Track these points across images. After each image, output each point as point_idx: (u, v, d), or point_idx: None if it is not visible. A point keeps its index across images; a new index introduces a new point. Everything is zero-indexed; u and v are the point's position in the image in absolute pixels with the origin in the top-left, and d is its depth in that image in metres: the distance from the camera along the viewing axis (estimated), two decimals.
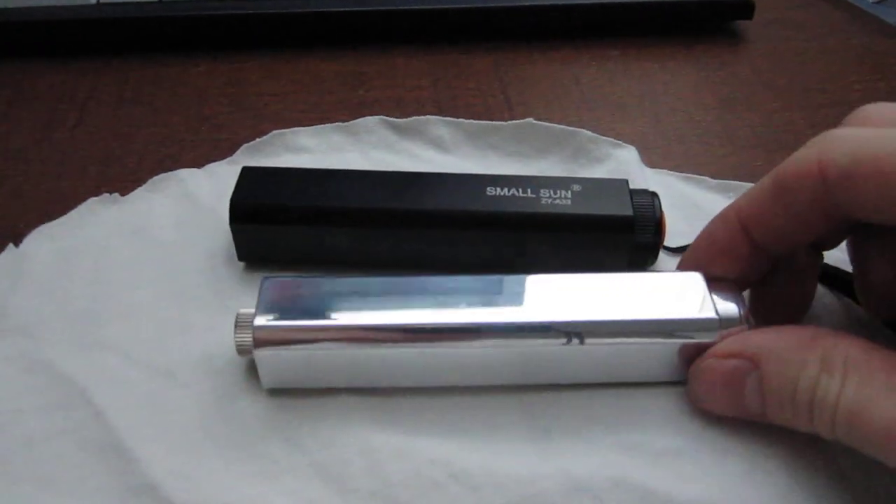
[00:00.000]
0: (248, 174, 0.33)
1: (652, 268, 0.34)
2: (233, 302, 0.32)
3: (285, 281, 0.28)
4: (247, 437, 0.28)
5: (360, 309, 0.28)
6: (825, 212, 0.25)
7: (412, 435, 0.28)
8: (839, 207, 0.25)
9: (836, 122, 0.42)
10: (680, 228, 0.35)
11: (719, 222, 0.29)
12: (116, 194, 0.36)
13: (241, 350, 0.27)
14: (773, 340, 0.26)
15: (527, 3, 0.46)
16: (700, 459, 0.27)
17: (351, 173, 0.33)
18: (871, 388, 0.23)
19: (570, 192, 0.32)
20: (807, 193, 0.25)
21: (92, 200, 0.36)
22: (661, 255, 0.34)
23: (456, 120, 0.40)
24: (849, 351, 0.24)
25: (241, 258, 0.33)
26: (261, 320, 0.27)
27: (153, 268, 0.34)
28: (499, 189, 0.32)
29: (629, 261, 0.32)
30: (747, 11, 0.47)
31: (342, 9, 0.46)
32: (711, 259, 0.29)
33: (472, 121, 0.40)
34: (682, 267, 0.30)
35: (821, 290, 0.33)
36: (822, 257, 0.30)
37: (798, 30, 0.49)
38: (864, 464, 0.26)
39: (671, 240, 0.35)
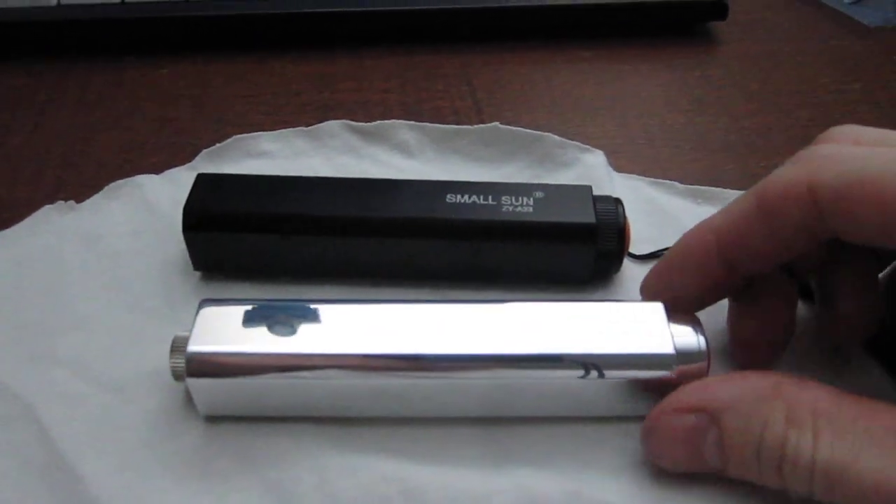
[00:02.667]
0: (202, 181, 0.32)
1: (617, 279, 0.33)
2: (186, 314, 0.31)
3: (224, 305, 0.28)
4: (195, 455, 0.27)
5: (303, 337, 0.27)
6: (811, 235, 0.24)
7: (364, 453, 0.27)
8: (828, 231, 0.24)
9: (808, 124, 0.42)
10: (647, 235, 0.35)
11: (693, 240, 0.27)
12: (72, 201, 0.36)
13: (176, 376, 0.27)
14: (732, 392, 0.24)
15: (498, 5, 0.46)
16: (658, 474, 0.27)
17: (308, 180, 0.32)
18: (851, 443, 0.22)
19: (532, 199, 0.31)
20: (795, 216, 0.24)
21: (47, 208, 0.35)
22: (627, 262, 0.34)
23: (420, 124, 0.39)
24: (816, 403, 0.23)
25: (196, 267, 0.33)
26: (195, 347, 0.26)
27: (108, 277, 0.33)
28: (459, 196, 0.31)
29: (593, 269, 0.32)
30: (721, 12, 0.47)
31: (310, 10, 0.45)
32: (682, 278, 0.28)
33: (437, 125, 0.39)
34: (649, 282, 0.29)
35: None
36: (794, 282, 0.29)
37: (772, 31, 0.48)
38: None
39: (638, 246, 0.34)
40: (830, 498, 0.22)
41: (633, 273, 0.33)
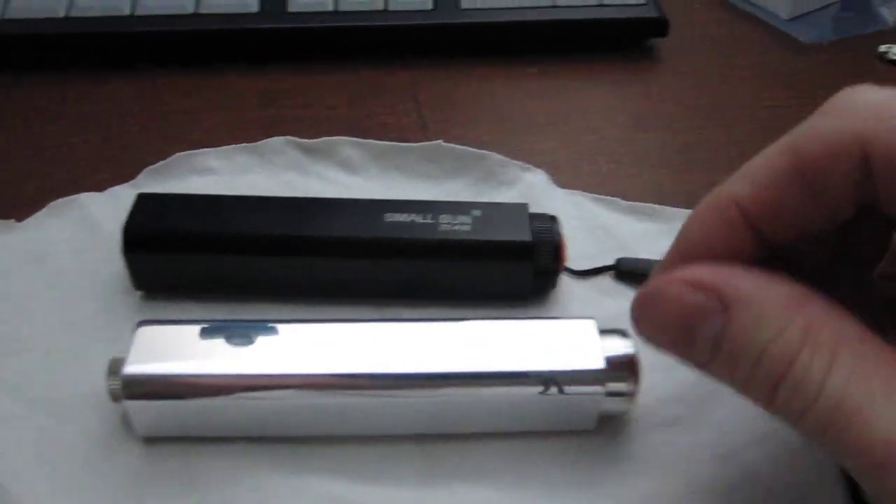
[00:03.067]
0: (143, 200, 0.33)
1: (554, 294, 0.34)
2: (127, 334, 0.31)
3: (162, 325, 0.28)
4: (133, 477, 0.27)
5: (241, 357, 0.27)
6: (855, 199, 0.20)
7: (305, 472, 0.27)
8: (871, 196, 0.20)
9: (747, 139, 0.43)
10: (589, 251, 0.36)
11: (710, 217, 0.23)
12: (13, 220, 0.35)
13: (113, 397, 0.27)
14: (755, 287, 0.20)
15: (446, 21, 0.46)
16: (593, 487, 0.27)
17: (248, 199, 0.33)
18: (870, 385, 0.18)
19: (469, 217, 0.32)
20: (841, 177, 0.20)
21: None
22: (566, 278, 0.34)
23: (365, 141, 0.39)
24: (843, 331, 0.19)
25: (137, 287, 0.33)
26: (130, 368, 0.26)
27: (49, 297, 0.33)
28: (398, 215, 0.32)
29: (531, 286, 0.32)
30: (662, 29, 0.48)
31: (258, 26, 0.45)
32: (709, 263, 0.22)
33: (380, 142, 0.39)
34: (662, 272, 0.24)
35: None
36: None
37: (713, 47, 0.50)
38: None
39: (579, 262, 0.35)
40: (821, 437, 0.19)
41: (570, 289, 0.34)
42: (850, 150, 0.20)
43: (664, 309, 0.22)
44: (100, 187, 0.38)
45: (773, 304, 0.20)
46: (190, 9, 0.45)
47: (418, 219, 0.32)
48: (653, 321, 0.23)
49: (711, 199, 0.23)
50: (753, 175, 0.22)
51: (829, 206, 0.21)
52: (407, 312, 0.33)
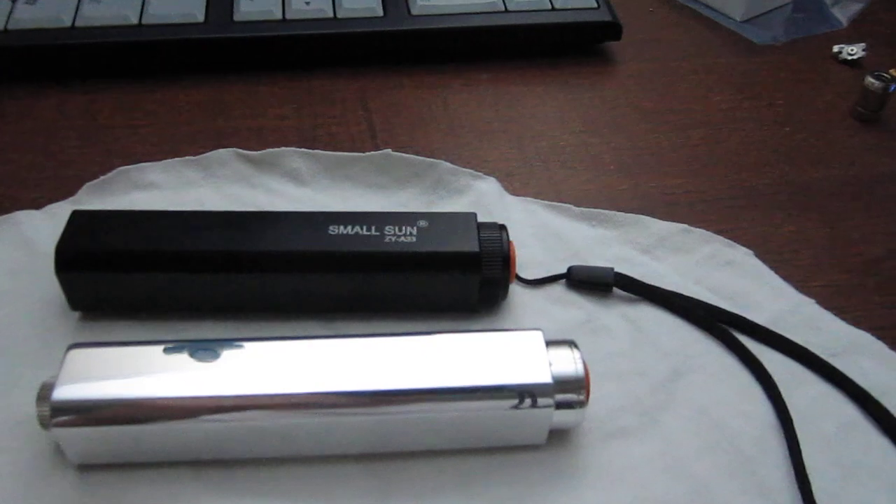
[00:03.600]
0: (77, 218, 0.31)
1: (505, 304, 0.33)
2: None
3: (93, 348, 0.27)
4: None
5: (175, 380, 0.26)
6: None
7: (245, 497, 0.27)
8: None
9: (700, 143, 0.43)
10: (541, 258, 0.35)
11: None
12: None
13: (43, 424, 0.26)
14: None
15: (396, 28, 0.46)
16: None
17: (186, 214, 0.32)
18: None
19: (415, 228, 0.31)
20: None
21: None
22: (517, 287, 0.34)
23: (312, 151, 0.39)
24: None
25: (74, 308, 0.32)
26: (59, 394, 0.25)
27: None
28: (342, 227, 0.31)
29: (479, 296, 0.32)
30: (615, 33, 0.48)
31: (202, 36, 0.44)
32: None
33: (329, 152, 0.39)
34: None
35: None
36: None
37: (667, 50, 0.49)
38: None
39: (532, 270, 0.34)
40: None
41: (522, 299, 0.34)
42: None
43: None
44: (38, 205, 0.36)
45: None
46: (134, 20, 0.44)
47: (363, 231, 0.31)
48: None
49: None
50: None
51: None
52: (354, 326, 0.32)
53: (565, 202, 0.38)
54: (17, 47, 0.43)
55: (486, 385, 0.27)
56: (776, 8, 0.54)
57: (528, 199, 0.38)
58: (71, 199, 0.37)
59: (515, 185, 0.39)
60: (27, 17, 0.43)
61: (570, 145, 0.42)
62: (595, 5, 0.48)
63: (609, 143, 0.42)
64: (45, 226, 0.35)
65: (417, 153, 0.39)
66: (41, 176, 0.39)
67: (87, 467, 0.27)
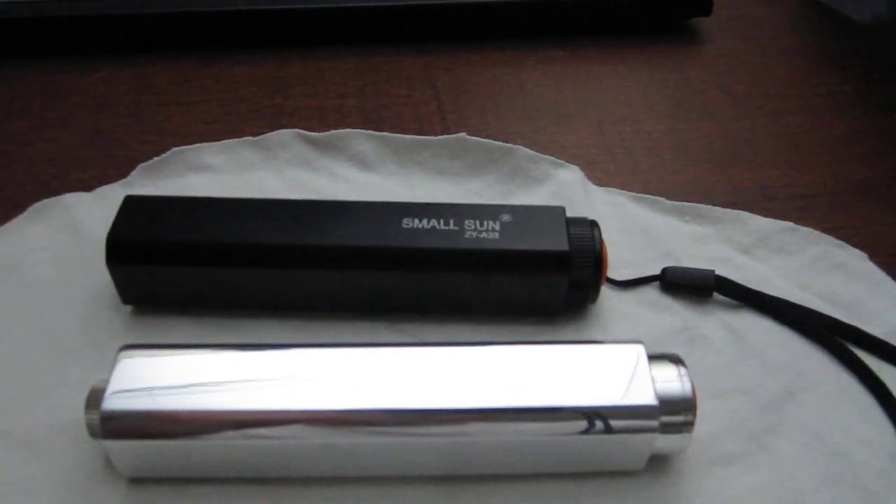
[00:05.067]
0: (130, 204, 0.29)
1: (594, 309, 0.30)
2: (113, 355, 0.27)
3: (147, 351, 0.24)
4: None
5: (235, 391, 0.24)
6: None
7: None
8: None
9: (798, 130, 0.39)
10: (629, 257, 0.32)
11: None
12: None
13: (92, 433, 0.23)
14: None
15: (463, 1, 0.42)
16: None
17: (247, 203, 0.29)
18: None
19: (498, 223, 0.28)
20: None
21: None
22: (606, 290, 0.31)
23: (380, 134, 0.36)
24: None
25: (125, 301, 0.29)
26: (110, 403, 0.23)
27: (25, 312, 0.29)
28: (417, 221, 0.28)
29: (567, 299, 0.29)
30: (705, 8, 0.44)
31: (259, 7, 0.41)
32: None
33: (398, 135, 0.36)
34: None
35: None
36: None
37: (759, 28, 0.45)
38: None
39: (619, 271, 0.31)
40: None
41: (612, 302, 0.30)
42: None
43: None
44: (86, 187, 0.34)
45: None
46: None
47: (440, 225, 0.28)
48: None
49: None
50: None
51: None
52: (426, 330, 0.29)
53: (654, 194, 0.34)
54: (67, 17, 0.41)
55: (581, 406, 0.24)
56: None
57: (614, 190, 0.35)
58: (123, 181, 0.34)
59: (598, 174, 0.36)
60: None
61: (656, 131, 0.38)
62: None
63: (698, 130, 0.39)
64: (95, 210, 0.33)
65: (491, 137, 0.36)
66: (90, 155, 0.36)
67: (138, 481, 0.25)
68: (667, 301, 0.31)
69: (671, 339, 0.29)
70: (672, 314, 0.30)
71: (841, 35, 0.45)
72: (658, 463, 0.26)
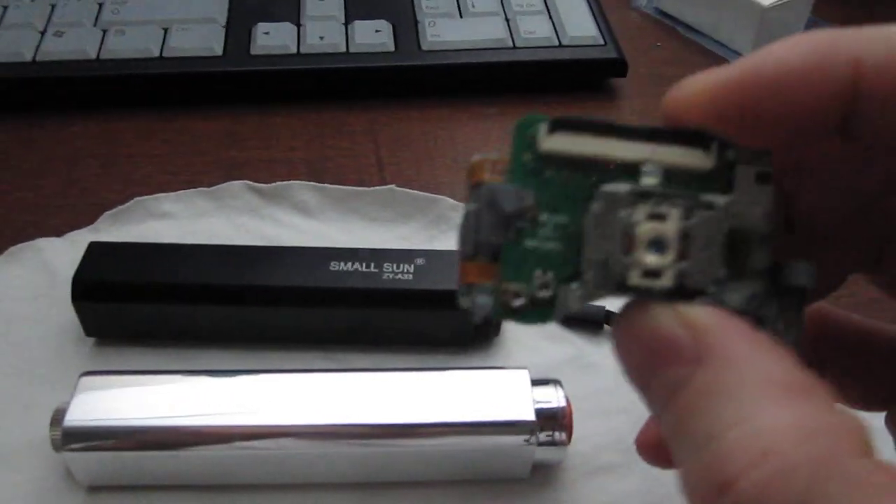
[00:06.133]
0: (94, 249, 0.33)
1: (498, 341, 0.34)
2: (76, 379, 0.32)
3: (105, 376, 0.29)
4: None
5: (183, 409, 0.28)
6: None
7: None
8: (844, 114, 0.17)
9: None
10: None
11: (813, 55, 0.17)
12: None
13: (55, 447, 0.28)
14: (745, 347, 0.15)
15: (407, 63, 0.47)
16: None
17: (194, 248, 0.34)
18: None
19: (412, 265, 0.33)
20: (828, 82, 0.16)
21: None
22: (513, 324, 0.35)
23: (320, 185, 0.40)
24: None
25: (88, 334, 0.33)
26: (71, 419, 0.27)
27: (2, 343, 0.34)
28: (342, 264, 0.33)
29: (472, 334, 0.33)
30: (621, 69, 0.49)
31: (224, 69, 0.46)
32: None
33: (336, 186, 0.40)
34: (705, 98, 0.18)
35: None
36: None
37: (671, 85, 0.50)
38: None
39: None
40: None
41: (517, 334, 0.35)
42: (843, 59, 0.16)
43: (634, 332, 0.16)
44: (59, 232, 0.38)
45: (755, 378, 0.15)
46: (156, 52, 0.46)
47: (362, 267, 0.33)
48: (623, 342, 0.17)
49: (826, 35, 0.17)
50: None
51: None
52: (354, 358, 0.33)
53: None
54: (45, 78, 0.45)
55: (471, 421, 0.28)
56: None
57: None
58: (90, 227, 0.38)
59: None
60: (54, 50, 0.46)
61: None
62: (602, 42, 0.49)
63: None
64: (65, 253, 0.37)
65: (422, 187, 0.41)
66: (64, 203, 0.41)
67: (96, 488, 0.29)
68: (565, 333, 0.35)
69: (566, 366, 0.34)
70: (568, 344, 0.35)
71: None
72: (543, 472, 0.30)
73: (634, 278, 0.16)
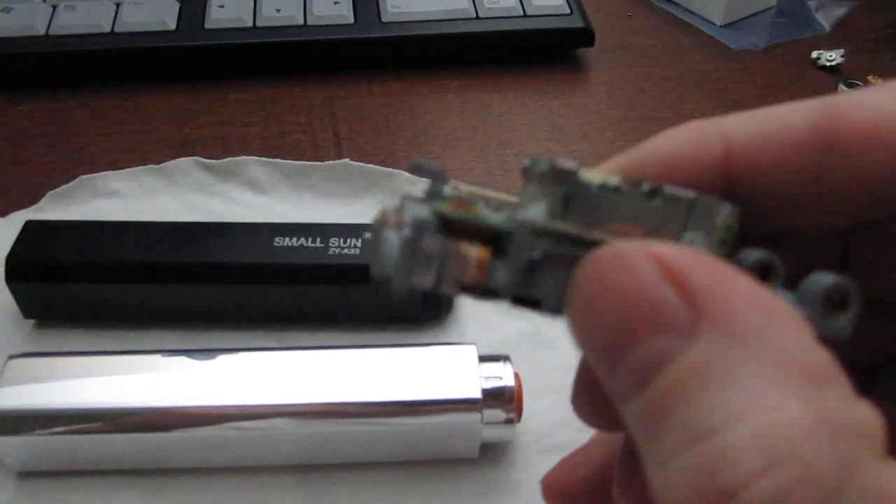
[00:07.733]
0: (30, 228, 0.32)
1: (453, 316, 0.33)
2: None
3: (34, 358, 0.27)
4: None
5: (114, 390, 0.27)
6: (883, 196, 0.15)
7: None
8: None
9: None
10: None
11: (686, 143, 0.17)
12: None
13: None
14: (775, 335, 0.12)
15: (367, 35, 0.46)
16: None
17: (135, 225, 0.32)
18: None
19: (360, 240, 0.32)
20: (879, 156, 0.14)
21: None
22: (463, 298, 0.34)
23: (272, 160, 0.39)
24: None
25: (27, 315, 0.32)
26: None
27: None
28: (287, 239, 0.31)
29: (423, 309, 0.32)
30: (588, 39, 0.47)
31: (177, 43, 0.45)
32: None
33: (288, 161, 0.39)
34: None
35: None
36: None
37: (640, 56, 0.49)
38: None
39: None
40: None
41: (471, 310, 0.34)
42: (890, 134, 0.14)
43: (610, 293, 0.13)
44: (4, 212, 0.37)
45: (767, 356, 0.12)
46: (107, 27, 0.45)
47: (307, 242, 0.31)
48: (589, 305, 0.13)
49: (695, 125, 0.16)
50: (762, 119, 0.16)
51: (846, 192, 0.15)
52: (301, 337, 0.32)
53: None
54: None
55: (415, 400, 0.27)
56: (758, 12, 0.54)
57: None
58: (34, 206, 0.37)
59: None
60: (2, 26, 0.44)
61: (534, 153, 0.42)
62: (568, 11, 0.48)
63: (572, 151, 0.42)
64: (6, 233, 0.36)
65: (380, 162, 0.40)
66: (7, 184, 0.39)
67: (27, 474, 0.28)
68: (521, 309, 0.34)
69: (521, 342, 0.33)
70: (525, 320, 0.33)
71: (717, 62, 0.49)
72: (493, 451, 0.29)
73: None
